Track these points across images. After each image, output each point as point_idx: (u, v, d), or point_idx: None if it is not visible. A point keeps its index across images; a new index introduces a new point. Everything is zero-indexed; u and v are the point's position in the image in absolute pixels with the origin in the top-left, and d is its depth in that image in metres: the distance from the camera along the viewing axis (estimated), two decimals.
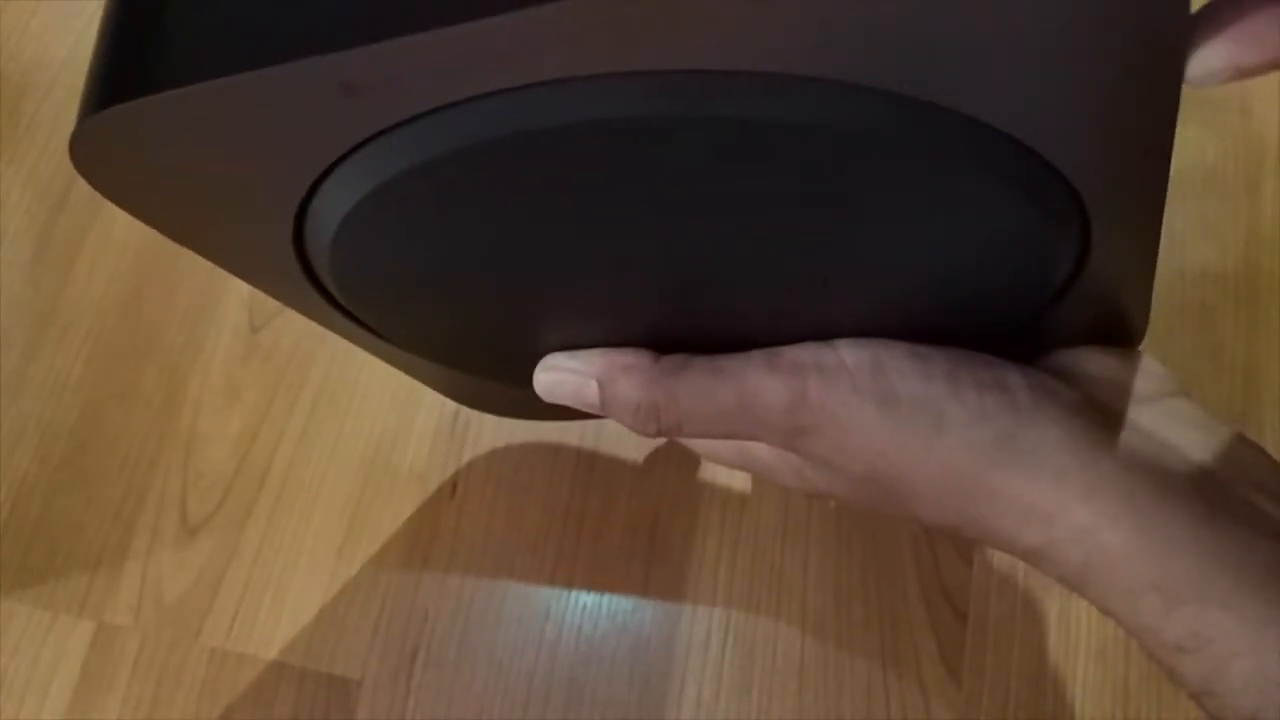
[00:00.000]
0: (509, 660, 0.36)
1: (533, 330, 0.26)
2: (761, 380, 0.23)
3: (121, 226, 0.42)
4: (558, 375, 0.26)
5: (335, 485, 0.39)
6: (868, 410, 0.22)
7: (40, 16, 0.47)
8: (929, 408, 0.22)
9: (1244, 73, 0.16)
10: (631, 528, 0.38)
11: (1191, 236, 0.41)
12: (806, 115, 0.17)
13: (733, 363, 0.23)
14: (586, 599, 0.37)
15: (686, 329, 0.24)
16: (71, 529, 0.39)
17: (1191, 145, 0.42)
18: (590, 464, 0.39)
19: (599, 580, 0.37)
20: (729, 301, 0.23)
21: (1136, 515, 0.20)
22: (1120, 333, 0.25)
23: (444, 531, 0.38)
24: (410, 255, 0.23)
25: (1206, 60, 0.16)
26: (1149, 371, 0.24)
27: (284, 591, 0.38)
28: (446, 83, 0.17)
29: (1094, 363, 0.24)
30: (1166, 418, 0.23)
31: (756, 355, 0.23)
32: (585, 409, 0.26)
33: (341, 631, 0.37)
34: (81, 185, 0.44)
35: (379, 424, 0.40)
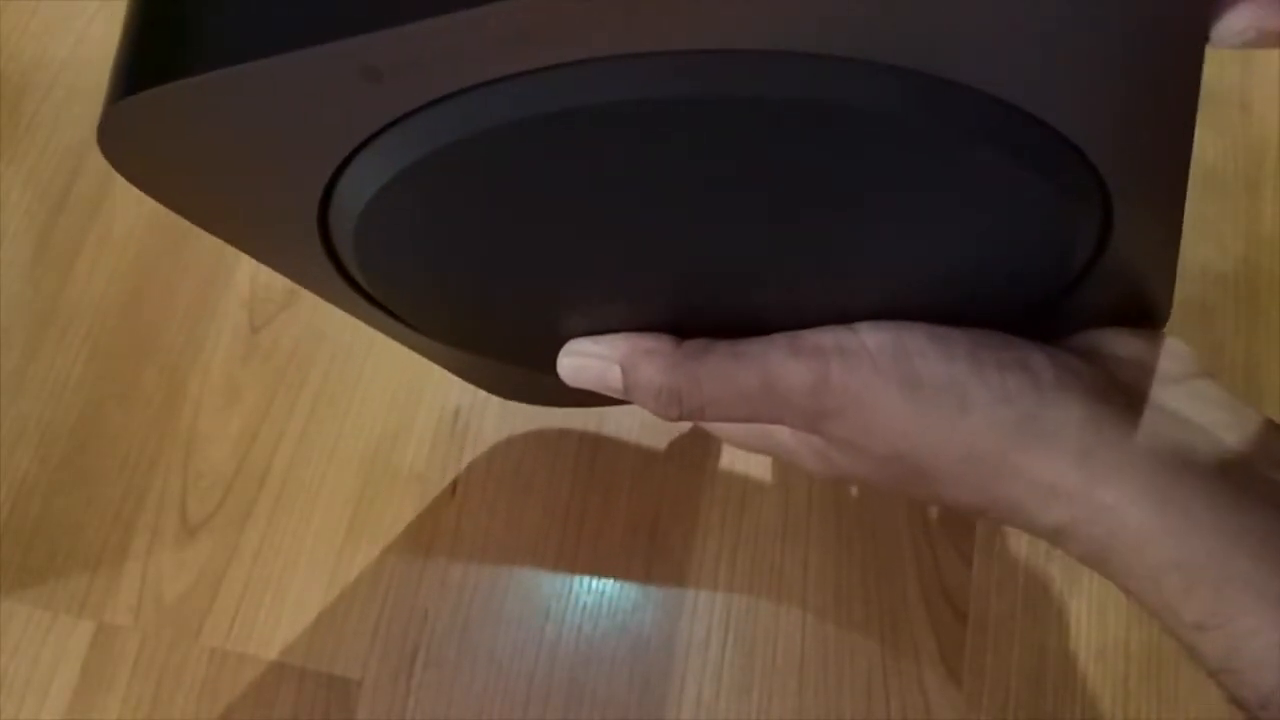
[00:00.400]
0: (509, 660, 0.36)
1: (556, 315, 0.26)
2: (784, 363, 0.23)
3: (121, 226, 0.42)
4: (581, 360, 0.26)
5: (335, 485, 0.39)
6: (890, 392, 0.22)
7: (40, 16, 0.47)
8: (952, 388, 0.22)
9: (1266, 38, 0.16)
10: (631, 528, 0.38)
11: (1191, 236, 0.41)
12: (824, 92, 0.17)
13: (755, 346, 0.23)
14: (587, 599, 0.37)
15: (709, 313, 0.24)
16: (71, 529, 0.39)
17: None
18: (590, 464, 0.39)
19: (599, 581, 0.37)
20: (751, 286, 0.23)
21: (1158, 494, 0.21)
22: (1144, 314, 0.24)
23: (444, 531, 0.38)
24: (434, 240, 0.23)
25: (1230, 21, 0.16)
26: (1174, 352, 0.24)
27: (284, 591, 0.38)
28: (468, 66, 0.17)
29: (1118, 343, 0.24)
30: (1191, 398, 0.23)
31: (778, 339, 0.23)
32: (609, 393, 0.26)
33: (341, 631, 0.37)
34: (82, 185, 0.44)
35: (379, 424, 0.40)
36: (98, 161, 0.44)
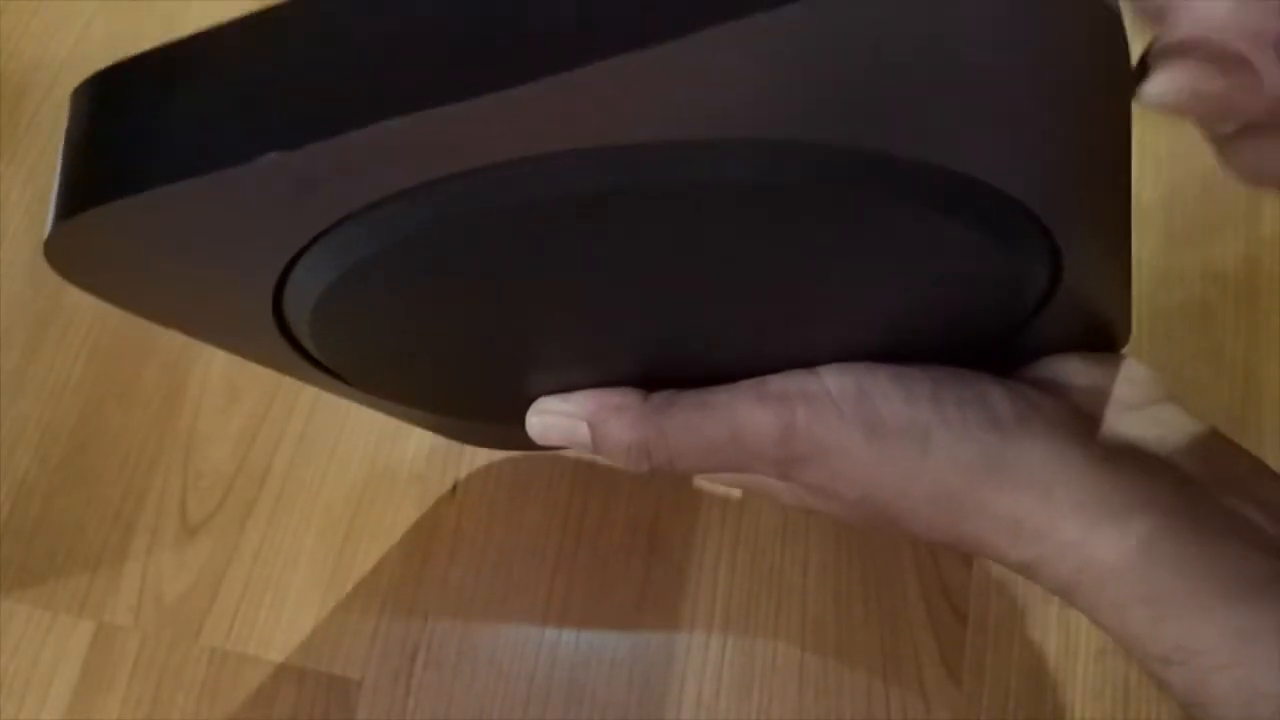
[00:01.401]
0: (509, 660, 0.36)
1: (521, 376, 0.26)
2: (750, 412, 0.23)
3: None
4: (549, 418, 0.26)
5: (335, 485, 0.39)
6: (855, 437, 0.22)
7: (41, 16, 0.47)
8: (914, 430, 0.22)
9: (1200, 101, 0.16)
10: (631, 528, 0.38)
11: (1192, 236, 0.41)
12: (757, 176, 0.17)
13: (720, 396, 0.23)
14: (586, 599, 0.37)
15: (674, 362, 0.24)
16: (71, 529, 0.39)
17: (1192, 145, 0.42)
18: (590, 464, 0.39)
19: (599, 580, 0.37)
20: (713, 336, 0.23)
21: (1122, 530, 0.21)
22: (1104, 338, 0.25)
23: (444, 531, 0.38)
24: (390, 322, 0.23)
25: (1157, 83, 0.16)
26: (1133, 377, 0.24)
27: (284, 591, 0.38)
28: (396, 172, 0.18)
29: (1077, 371, 0.24)
30: (1152, 425, 0.23)
31: (744, 387, 0.23)
32: (579, 449, 0.26)
33: (341, 632, 0.37)
34: None
35: (379, 424, 0.40)
36: None
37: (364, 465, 0.39)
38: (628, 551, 0.38)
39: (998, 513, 0.22)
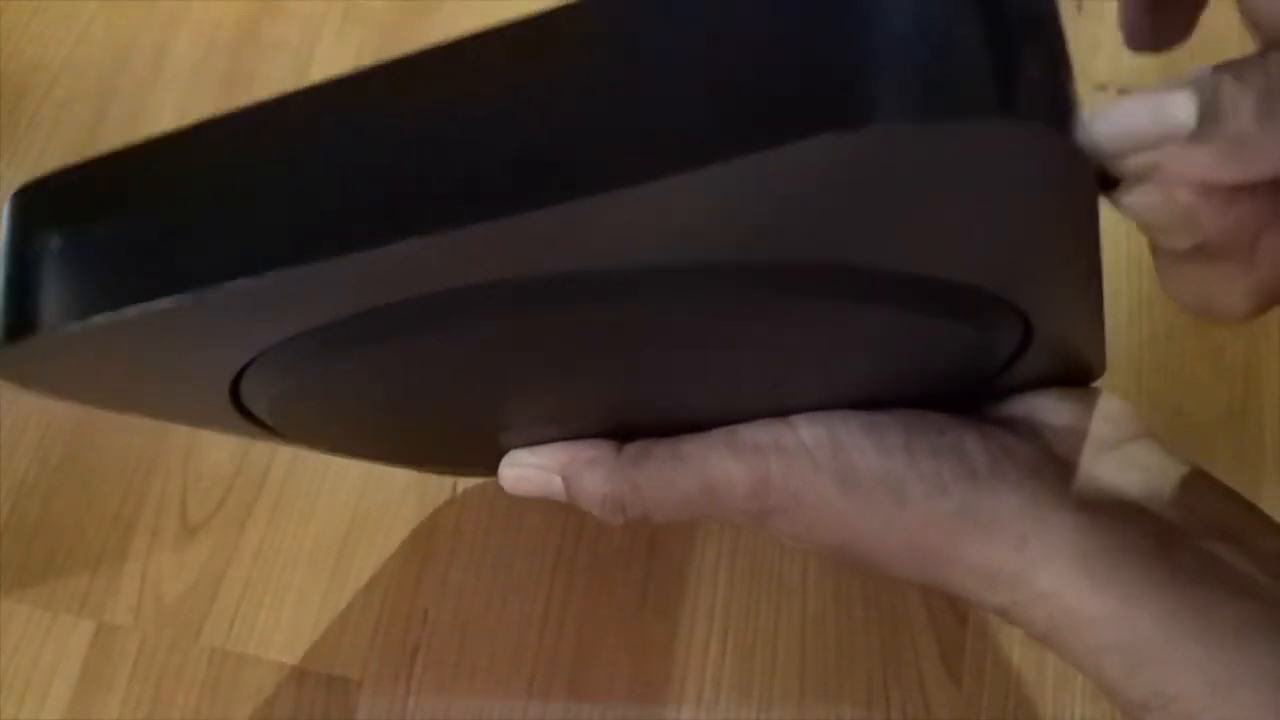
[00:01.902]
0: (509, 661, 0.37)
1: (490, 438, 0.26)
2: (723, 464, 0.23)
3: None
4: (522, 471, 0.26)
5: (335, 486, 0.39)
6: (829, 489, 0.22)
7: (41, 17, 0.47)
8: (888, 482, 0.22)
9: (1174, 214, 0.17)
10: (631, 530, 0.38)
11: None
12: (716, 302, 0.17)
13: (693, 447, 0.23)
14: (586, 600, 0.37)
15: (647, 415, 0.24)
16: (72, 529, 0.39)
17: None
18: None
19: (599, 581, 0.37)
20: (684, 395, 0.23)
21: (1095, 578, 0.21)
22: (1078, 372, 0.24)
23: (444, 531, 0.38)
24: (349, 413, 0.24)
25: (1135, 196, 0.16)
26: (1108, 415, 0.24)
27: (284, 592, 0.38)
28: (326, 305, 0.17)
29: (1052, 409, 0.24)
30: (1125, 467, 0.23)
31: (717, 437, 0.23)
32: (555, 499, 0.26)
33: (341, 631, 0.37)
34: None
35: None
36: None
37: (364, 466, 0.39)
38: (628, 553, 0.38)
39: (973, 562, 0.22)
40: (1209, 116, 0.15)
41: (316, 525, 0.39)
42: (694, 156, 0.12)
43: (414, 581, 0.38)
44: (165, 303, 0.16)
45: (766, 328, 0.19)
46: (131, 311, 0.17)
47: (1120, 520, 0.22)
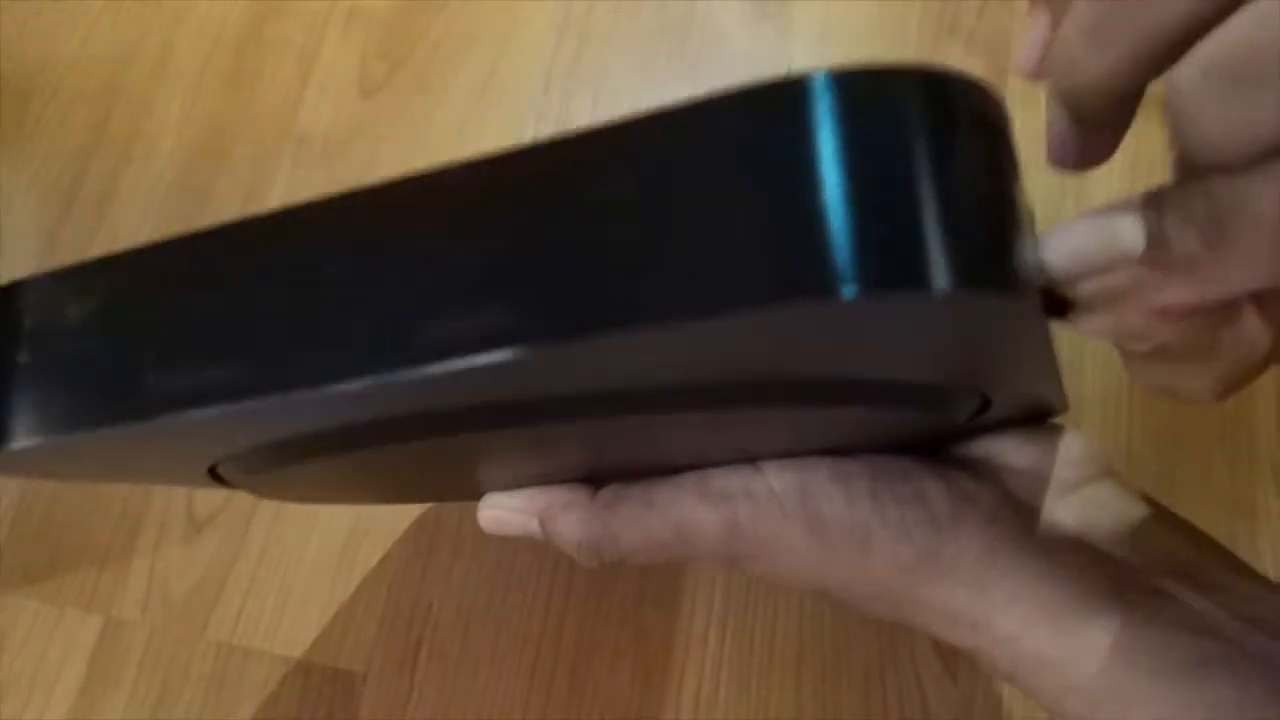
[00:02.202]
0: (512, 655, 0.37)
1: (466, 484, 0.27)
2: (694, 510, 0.23)
3: (127, 228, 0.43)
4: (500, 514, 0.27)
5: None
6: (797, 537, 0.22)
7: (44, 18, 0.47)
8: (855, 530, 0.22)
9: (1129, 336, 0.18)
10: None
11: None
12: (684, 408, 0.18)
13: (665, 493, 0.24)
14: (588, 594, 0.37)
15: (621, 459, 0.24)
16: (79, 525, 0.39)
17: None
18: None
19: (599, 575, 0.38)
20: (654, 442, 0.24)
21: (1055, 623, 0.21)
22: (1040, 411, 0.25)
23: (447, 526, 0.39)
24: (329, 483, 0.25)
25: (1092, 323, 0.17)
26: (1068, 457, 0.24)
27: (289, 586, 0.38)
28: (283, 425, 0.18)
29: (1013, 452, 0.25)
30: (1085, 508, 0.24)
31: (688, 483, 0.24)
32: (534, 539, 0.27)
33: (346, 626, 0.37)
34: (87, 187, 0.44)
35: None
36: (103, 163, 0.44)
37: None
38: None
39: (936, 606, 0.22)
40: (1156, 242, 0.16)
41: (322, 521, 0.39)
42: (696, 310, 0.14)
43: (418, 576, 0.38)
44: (129, 428, 0.17)
45: (734, 421, 0.20)
46: (97, 433, 0.17)
47: (1078, 563, 0.22)
